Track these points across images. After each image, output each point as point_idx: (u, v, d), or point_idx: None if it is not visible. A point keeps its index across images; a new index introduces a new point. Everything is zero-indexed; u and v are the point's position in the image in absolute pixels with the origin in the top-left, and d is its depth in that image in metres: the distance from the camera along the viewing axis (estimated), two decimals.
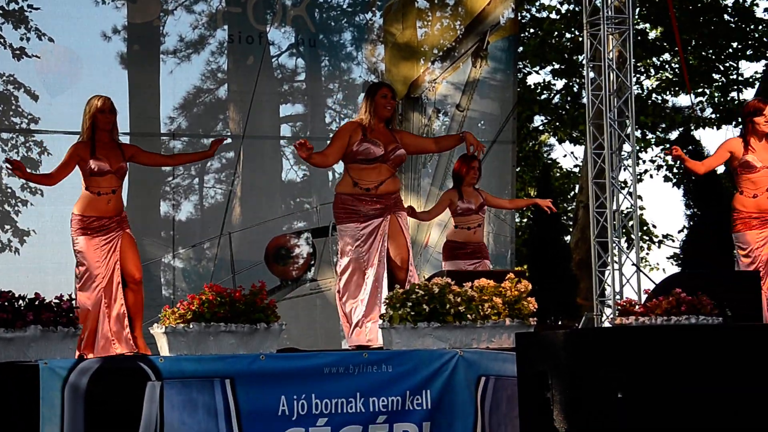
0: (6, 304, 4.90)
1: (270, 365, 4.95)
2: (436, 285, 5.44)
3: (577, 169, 18.18)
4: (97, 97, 6.64)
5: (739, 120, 15.60)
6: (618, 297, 9.66)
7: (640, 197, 16.62)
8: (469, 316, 5.42)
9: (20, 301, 4.95)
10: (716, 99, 16.62)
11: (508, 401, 5.18)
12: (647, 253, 18.31)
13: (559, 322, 11.69)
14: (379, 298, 6.26)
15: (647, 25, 16.48)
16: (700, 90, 16.57)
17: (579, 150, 17.77)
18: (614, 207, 9.86)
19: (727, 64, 16.51)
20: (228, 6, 9.99)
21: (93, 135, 6.53)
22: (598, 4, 9.83)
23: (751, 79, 16.68)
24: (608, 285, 9.92)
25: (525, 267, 12.47)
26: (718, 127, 16.02)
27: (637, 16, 15.12)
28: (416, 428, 5.12)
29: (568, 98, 16.48)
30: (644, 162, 17.47)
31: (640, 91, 16.27)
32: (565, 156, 25.97)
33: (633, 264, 9.80)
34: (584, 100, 10.58)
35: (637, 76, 16.11)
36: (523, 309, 5.57)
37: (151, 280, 9.34)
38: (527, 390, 4.75)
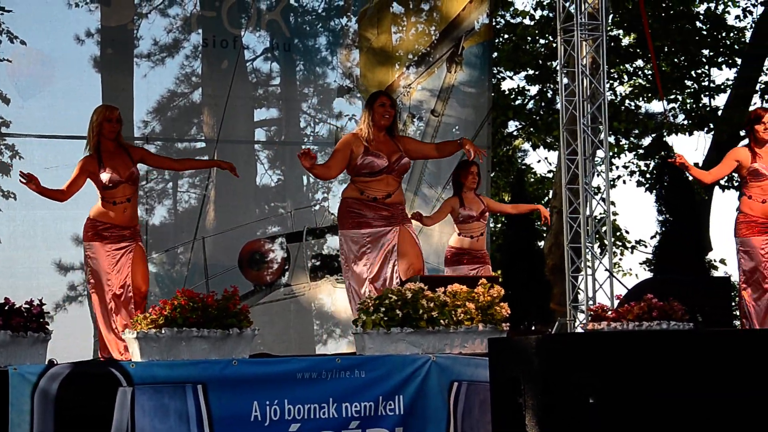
0: None
1: (242, 371, 4.94)
2: (409, 290, 5.45)
3: (550, 175, 18.25)
4: (104, 106, 6.69)
5: (711, 126, 15.81)
6: (591, 302, 9.70)
7: (613, 203, 16.70)
8: (442, 321, 5.43)
9: None
10: (688, 105, 16.73)
11: (480, 406, 5.19)
12: (620, 259, 18.40)
13: (533, 328, 11.71)
14: None
15: (620, 32, 16.57)
16: (672, 96, 16.67)
17: (553, 155, 17.86)
18: (587, 212, 9.89)
19: (699, 71, 16.62)
20: (202, 10, 9.96)
21: (98, 146, 6.53)
22: (572, 11, 9.88)
23: (722, 86, 16.82)
24: (581, 290, 9.95)
25: (499, 272, 12.50)
26: (690, 134, 16.12)
27: (610, 23, 15.19)
28: None
29: (542, 104, 16.54)
30: (617, 168, 17.56)
31: (614, 97, 16.35)
32: (539, 161, 26.07)
33: (606, 269, 9.84)
34: (558, 106, 10.61)
35: (611, 82, 16.19)
36: (496, 314, 5.58)
37: None
38: (500, 395, 4.76)
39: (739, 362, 4.56)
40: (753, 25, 16.66)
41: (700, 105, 16.65)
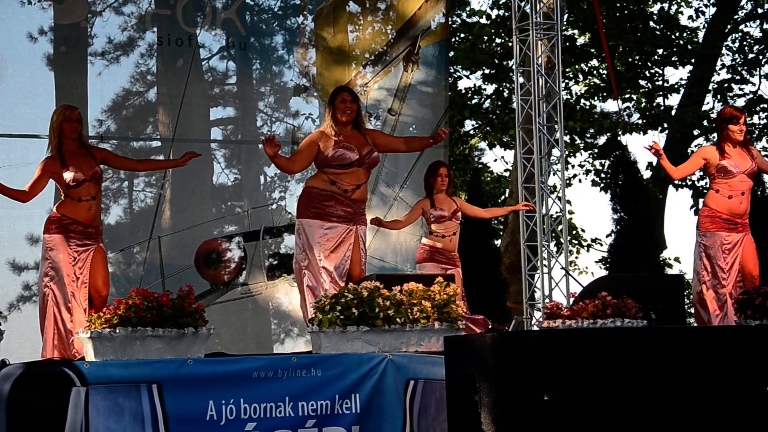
0: None
1: (198, 370, 4.92)
2: (365, 289, 5.45)
3: (507, 174, 18.34)
4: (64, 106, 6.65)
5: (665, 125, 15.96)
6: (547, 300, 9.76)
7: (569, 201, 16.82)
8: (398, 319, 5.44)
9: None
10: (643, 104, 16.89)
11: (436, 404, 5.21)
12: (576, 257, 18.52)
13: (489, 326, 11.76)
14: None
15: (575, 32, 16.68)
16: (627, 96, 16.82)
17: (509, 154, 17.94)
18: (543, 211, 9.95)
19: (653, 71, 16.78)
20: (157, 8, 9.89)
21: (60, 146, 6.49)
22: (527, 10, 9.93)
23: (676, 85, 16.99)
24: (538, 288, 10.01)
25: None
26: (645, 132, 16.25)
27: (565, 23, 15.30)
28: None
29: (498, 103, 16.61)
30: (573, 167, 17.68)
31: (569, 97, 16.46)
32: (495, 160, 26.11)
33: (562, 268, 9.90)
34: (514, 105, 10.66)
35: (566, 81, 16.29)
36: (452, 312, 5.61)
37: None
38: (455, 393, 4.78)
39: (691, 359, 4.61)
40: (705, 25, 16.85)
41: (654, 104, 16.81)
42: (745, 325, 6.17)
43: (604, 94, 16.89)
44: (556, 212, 10.17)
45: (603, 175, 16.76)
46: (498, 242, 14.26)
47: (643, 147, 7.40)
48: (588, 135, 16.92)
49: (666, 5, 16.79)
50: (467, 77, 17.14)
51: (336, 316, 5.36)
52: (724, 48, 16.71)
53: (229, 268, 10.02)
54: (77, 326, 6.30)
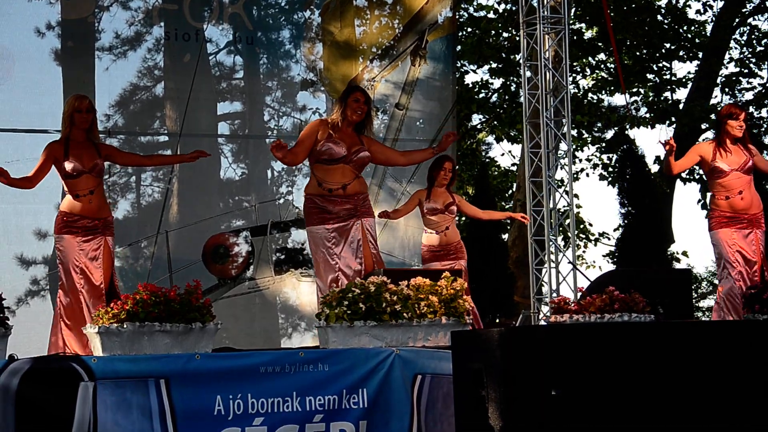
0: None
1: (205, 365, 4.93)
2: (372, 284, 5.45)
3: (514, 168, 18.32)
4: (75, 96, 6.64)
5: (672, 119, 15.93)
6: (555, 295, 9.76)
7: (576, 196, 16.73)
8: (405, 314, 5.44)
9: None
10: (650, 98, 16.85)
11: (443, 399, 5.21)
12: (584, 251, 18.51)
13: (497, 320, 11.76)
14: None
15: (583, 25, 16.66)
16: (634, 89, 16.78)
17: (516, 149, 17.94)
18: (551, 205, 9.94)
19: (661, 64, 16.75)
20: (164, 3, 9.90)
21: (69, 134, 6.50)
22: (534, 4, 9.91)
23: (683, 79, 16.94)
24: (545, 283, 10.01)
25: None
26: (652, 127, 16.23)
27: (572, 16, 15.27)
28: (353, 427, 5.12)
29: (506, 97, 16.59)
30: (580, 161, 17.67)
31: (576, 91, 16.44)
32: (502, 155, 26.16)
33: (569, 262, 9.90)
34: (521, 99, 10.64)
35: (573, 75, 16.26)
36: (459, 307, 5.61)
37: None
38: (463, 388, 4.78)
39: (699, 353, 4.60)
40: (713, 18, 16.81)
41: (662, 98, 16.78)
42: (753, 320, 6.16)
43: (612, 88, 16.86)
44: (564, 206, 10.16)
45: (610, 169, 16.75)
46: (505, 236, 14.25)
47: (658, 141, 7.40)
48: (595, 129, 16.91)
49: None
50: (474, 71, 17.13)
51: (343, 311, 5.36)
52: (732, 41, 16.67)
53: (236, 262, 10.04)
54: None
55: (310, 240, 6.55)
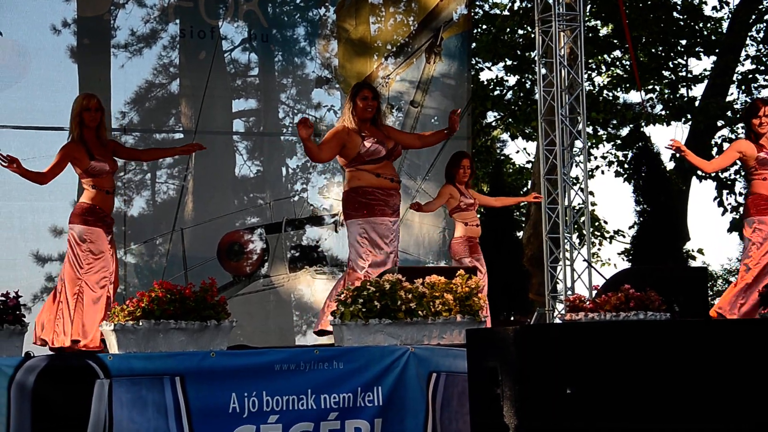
0: None
1: (220, 362, 4.94)
2: (387, 281, 5.45)
3: (529, 165, 18.28)
4: (83, 95, 6.69)
5: (688, 116, 15.87)
6: (570, 292, 9.74)
7: (591, 193, 16.73)
8: (420, 312, 5.44)
9: None
10: (666, 95, 16.79)
11: (458, 397, 5.21)
12: (599, 249, 18.47)
13: (512, 318, 11.75)
14: None
15: (598, 22, 16.60)
16: (650, 87, 16.73)
17: (531, 146, 17.89)
18: (566, 203, 9.93)
19: (677, 61, 16.68)
20: (179, 0, 9.92)
21: (81, 134, 6.53)
22: (550, 2, 9.89)
23: (699, 76, 16.88)
24: (560, 280, 9.99)
25: None
26: (668, 124, 16.17)
27: (588, 13, 15.22)
28: (368, 425, 5.13)
29: (521, 94, 16.56)
30: (595, 158, 17.61)
31: (592, 88, 16.39)
32: (517, 152, 25.99)
33: (584, 260, 9.88)
34: (536, 97, 10.63)
35: (589, 72, 16.22)
36: (474, 305, 5.60)
37: None
38: (478, 386, 4.77)
39: (714, 352, 4.58)
40: (730, 15, 16.73)
41: (678, 95, 16.72)
42: None
43: (627, 85, 16.81)
44: (579, 204, 10.14)
45: (626, 167, 16.69)
46: (520, 234, 14.23)
47: (665, 147, 7.34)
48: (611, 126, 16.86)
49: None
50: (489, 69, 17.11)
51: (358, 309, 5.36)
52: (748, 38, 16.58)
53: (251, 259, 10.05)
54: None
55: (362, 231, 6.45)
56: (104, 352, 5.21)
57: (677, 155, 7.30)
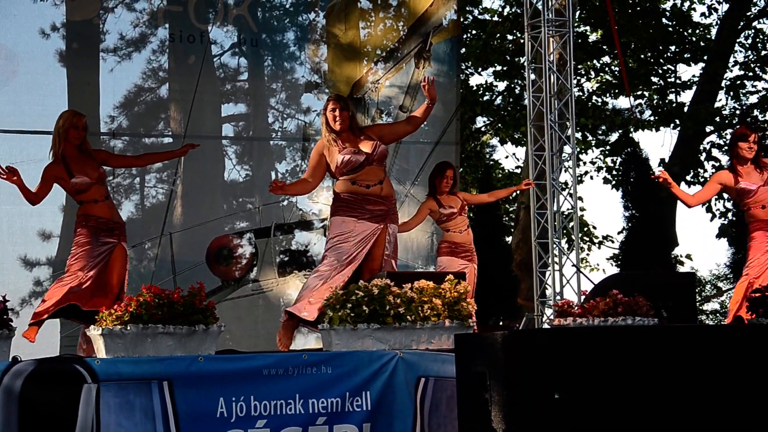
0: None
1: (208, 367, 4.93)
2: (376, 286, 5.45)
3: (518, 171, 18.30)
4: (72, 112, 6.69)
5: (677, 122, 15.91)
6: (558, 297, 9.75)
7: (580, 198, 16.78)
8: (408, 317, 5.44)
9: None
10: (655, 101, 16.84)
11: (447, 402, 5.21)
12: (587, 254, 18.48)
13: (500, 323, 11.75)
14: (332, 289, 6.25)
15: (587, 28, 16.63)
16: (639, 92, 16.76)
17: (520, 151, 17.90)
18: (555, 208, 9.94)
19: (666, 67, 16.73)
20: (169, 5, 9.91)
21: (63, 149, 6.53)
22: (539, 7, 9.91)
23: (688, 82, 16.92)
24: (549, 286, 10.00)
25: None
26: (657, 129, 16.22)
27: (577, 19, 15.26)
28: (356, 429, 5.13)
29: (510, 100, 16.58)
30: (584, 164, 17.63)
31: (581, 94, 16.43)
32: (506, 157, 26.13)
33: (573, 265, 9.89)
34: (525, 102, 10.65)
35: (578, 78, 16.25)
36: (463, 310, 5.60)
37: None
38: (466, 391, 4.78)
39: (702, 357, 4.60)
40: (718, 21, 16.79)
41: (667, 101, 16.76)
42: (757, 324, 6.15)
43: (616, 90, 16.84)
44: (568, 209, 10.16)
45: (614, 172, 16.73)
46: (509, 239, 14.24)
47: (651, 177, 7.37)
48: (600, 132, 16.89)
49: (678, 2, 16.74)
50: (479, 74, 17.13)
51: (346, 314, 5.36)
52: (736, 45, 16.65)
53: (240, 264, 10.04)
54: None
55: (335, 224, 6.49)
56: (91, 356, 5.20)
57: (662, 184, 7.32)
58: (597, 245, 18.31)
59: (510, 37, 16.09)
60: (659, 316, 5.66)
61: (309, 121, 10.50)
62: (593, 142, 17.29)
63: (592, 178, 17.75)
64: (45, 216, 9.10)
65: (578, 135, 15.97)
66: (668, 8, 16.49)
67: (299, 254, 10.22)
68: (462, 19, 13.24)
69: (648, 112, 16.79)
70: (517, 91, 16.36)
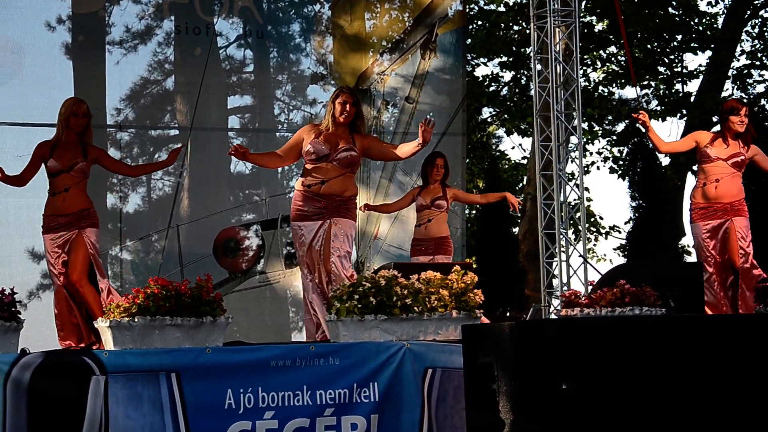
0: None
1: (216, 359, 4.94)
2: (383, 277, 5.46)
3: (525, 161, 18.28)
4: (74, 99, 6.65)
5: (684, 112, 15.87)
6: (565, 288, 9.73)
7: (587, 189, 16.76)
8: (416, 308, 5.44)
9: None
10: (661, 91, 16.80)
11: (454, 393, 5.22)
12: (594, 245, 18.47)
13: (507, 314, 11.75)
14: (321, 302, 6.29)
15: (593, 18, 16.60)
16: (645, 82, 16.72)
17: (527, 142, 17.91)
18: (561, 199, 9.91)
19: (672, 57, 16.69)
20: None
21: (64, 136, 6.51)
22: None
23: (695, 72, 16.88)
24: (556, 276, 9.98)
25: (473, 259, 12.52)
26: (663, 119, 16.18)
27: (583, 9, 15.22)
28: (364, 421, 5.13)
29: (516, 90, 16.56)
30: (591, 154, 17.61)
31: (587, 84, 16.39)
32: (513, 148, 26.06)
33: (580, 255, 9.87)
34: (531, 93, 10.63)
35: (584, 68, 16.22)
36: (470, 301, 5.60)
37: None
38: (473, 381, 4.78)
39: (710, 347, 4.60)
40: (725, 10, 16.74)
41: (673, 90, 16.72)
42: (764, 313, 6.15)
43: (623, 80, 16.81)
44: (574, 200, 10.13)
45: (621, 162, 16.71)
46: (516, 230, 14.23)
47: (632, 115, 7.47)
48: (606, 122, 16.85)
49: None
50: (485, 64, 17.11)
51: (354, 305, 5.37)
52: (743, 34, 16.60)
53: (247, 256, 10.06)
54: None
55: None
56: (99, 348, 5.21)
57: (641, 125, 7.43)
58: (604, 235, 18.30)
59: (515, 28, 16.05)
60: (666, 306, 5.65)
61: (315, 113, 10.51)
62: (600, 133, 17.26)
63: (598, 168, 17.74)
64: None
65: (584, 125, 15.94)
66: None
67: None
68: (468, 10, 13.21)
69: (654, 102, 16.76)
70: (523, 81, 16.34)
